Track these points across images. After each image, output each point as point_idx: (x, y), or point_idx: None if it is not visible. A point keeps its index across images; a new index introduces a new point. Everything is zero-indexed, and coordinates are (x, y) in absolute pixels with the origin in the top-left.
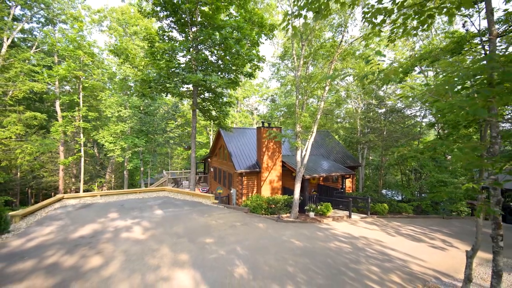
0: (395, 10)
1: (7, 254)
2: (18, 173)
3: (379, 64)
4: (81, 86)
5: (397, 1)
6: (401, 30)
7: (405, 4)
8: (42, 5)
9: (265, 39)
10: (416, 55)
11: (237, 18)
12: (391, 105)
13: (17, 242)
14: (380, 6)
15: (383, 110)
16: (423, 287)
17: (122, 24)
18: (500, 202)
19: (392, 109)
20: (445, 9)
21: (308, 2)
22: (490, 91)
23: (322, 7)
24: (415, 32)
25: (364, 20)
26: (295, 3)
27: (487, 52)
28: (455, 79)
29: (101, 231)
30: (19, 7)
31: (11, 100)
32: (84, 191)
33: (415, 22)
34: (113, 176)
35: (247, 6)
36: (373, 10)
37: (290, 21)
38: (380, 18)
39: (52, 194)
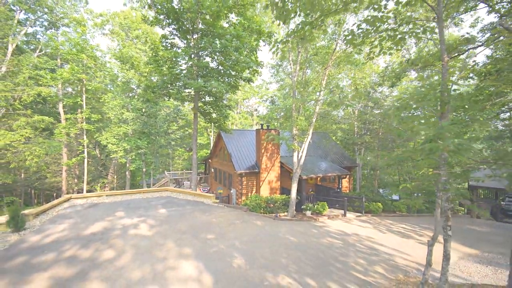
0: (372, 33)
1: (28, 248)
2: (22, 174)
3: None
4: (84, 89)
5: (370, 28)
6: (378, 50)
7: (380, 29)
8: (46, 9)
9: (264, 45)
10: (407, 61)
11: (236, 26)
12: (388, 107)
13: (35, 238)
14: (359, 31)
15: (380, 111)
16: (404, 277)
17: (125, 28)
18: (449, 199)
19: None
20: (414, 33)
21: (294, 31)
22: (409, 117)
23: (307, 34)
24: (390, 51)
25: (345, 41)
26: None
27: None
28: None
29: (111, 228)
30: (23, 11)
31: (19, 104)
32: (87, 191)
33: (389, 43)
34: (115, 176)
35: (246, 14)
36: (352, 35)
37: (279, 47)
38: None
39: (54, 194)
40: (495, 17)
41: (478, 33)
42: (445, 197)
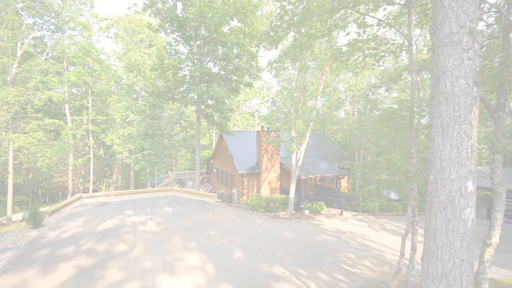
0: (356, 52)
1: (49, 242)
2: (30, 174)
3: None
4: (90, 91)
5: (352, 50)
6: (362, 65)
7: (362, 48)
8: (53, 14)
9: (264, 50)
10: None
11: (237, 33)
12: (386, 108)
13: (53, 233)
14: (344, 50)
15: (379, 113)
16: (389, 270)
17: (129, 32)
18: (416, 199)
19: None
20: (392, 53)
21: (285, 53)
22: (367, 132)
23: (297, 54)
24: (373, 67)
25: (332, 57)
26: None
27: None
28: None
29: (121, 225)
30: (30, 16)
31: (31, 108)
32: (92, 191)
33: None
34: (120, 176)
35: (246, 20)
36: (335, 56)
37: (273, 67)
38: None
39: (60, 194)
40: (483, 26)
41: None
42: (412, 196)
